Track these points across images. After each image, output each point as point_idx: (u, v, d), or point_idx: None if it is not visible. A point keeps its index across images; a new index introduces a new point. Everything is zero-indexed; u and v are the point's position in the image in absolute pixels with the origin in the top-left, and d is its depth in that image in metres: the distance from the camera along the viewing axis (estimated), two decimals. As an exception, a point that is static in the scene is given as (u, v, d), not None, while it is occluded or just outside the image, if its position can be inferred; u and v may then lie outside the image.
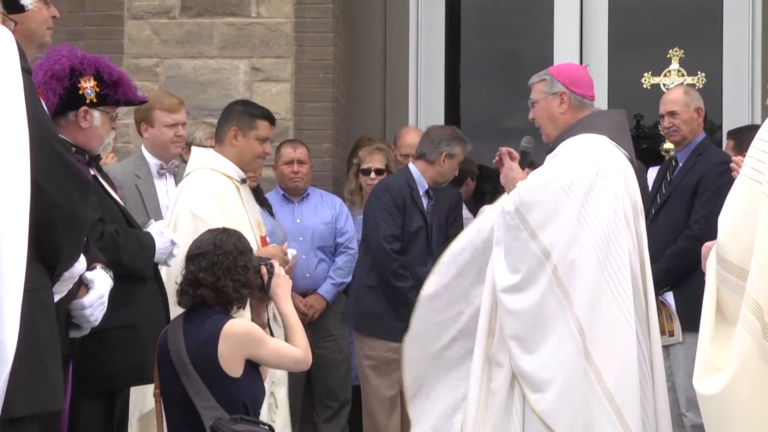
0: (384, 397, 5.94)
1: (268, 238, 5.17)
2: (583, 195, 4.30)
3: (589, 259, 4.27)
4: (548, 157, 4.50)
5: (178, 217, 4.79)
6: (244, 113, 5.03)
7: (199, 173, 4.92)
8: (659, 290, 5.60)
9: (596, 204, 4.31)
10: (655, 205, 5.74)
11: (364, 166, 6.60)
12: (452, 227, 6.05)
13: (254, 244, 4.86)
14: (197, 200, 4.80)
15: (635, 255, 4.41)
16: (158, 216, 5.04)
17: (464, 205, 6.90)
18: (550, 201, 4.31)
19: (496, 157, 4.63)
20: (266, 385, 4.16)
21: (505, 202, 4.43)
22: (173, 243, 4.54)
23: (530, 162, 4.67)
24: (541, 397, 4.25)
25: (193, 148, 5.14)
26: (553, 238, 4.28)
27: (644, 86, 7.09)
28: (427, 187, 6.03)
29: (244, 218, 4.90)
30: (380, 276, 5.86)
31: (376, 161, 6.51)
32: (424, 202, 6.00)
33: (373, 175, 6.49)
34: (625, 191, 4.42)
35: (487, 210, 4.75)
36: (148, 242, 4.44)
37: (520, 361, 4.30)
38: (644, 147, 7.39)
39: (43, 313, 2.95)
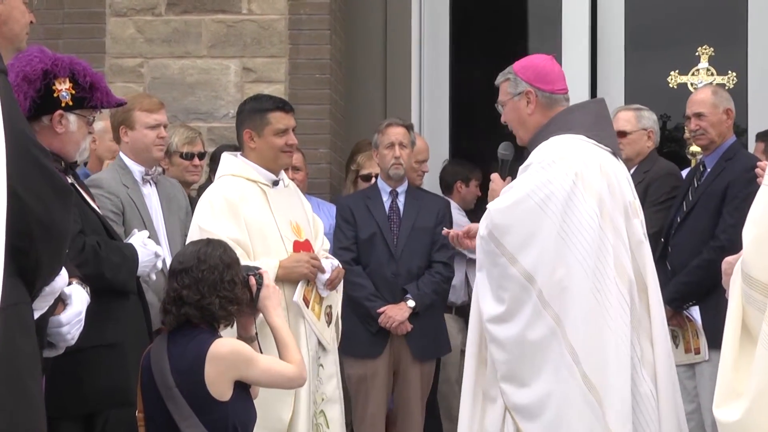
0: (364, 416, 6.00)
1: (316, 242, 5.12)
2: (562, 208, 4.19)
3: (577, 277, 4.17)
4: (520, 169, 4.38)
5: (191, 233, 4.81)
6: (253, 111, 5.00)
7: (217, 182, 4.95)
8: (684, 304, 5.59)
9: (577, 216, 4.21)
10: (680, 213, 5.71)
11: (364, 172, 6.59)
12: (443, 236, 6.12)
13: (282, 250, 4.89)
14: (206, 213, 4.82)
15: (628, 263, 4.30)
16: (151, 226, 5.04)
17: (463, 214, 6.90)
18: (526, 220, 4.20)
19: (452, 241, 4.60)
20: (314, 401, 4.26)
21: (480, 224, 4.35)
22: (157, 255, 4.53)
23: (510, 170, 4.60)
24: (537, 428, 4.18)
25: (223, 154, 5.13)
26: (534, 260, 4.18)
27: (670, 85, 7.06)
28: (390, 189, 6.13)
29: (269, 223, 4.89)
30: (345, 290, 5.95)
31: (376, 166, 6.50)
32: (387, 205, 6.11)
33: (374, 180, 6.48)
34: (610, 194, 4.30)
35: None
36: (131, 255, 4.44)
37: (513, 396, 4.23)
38: (669, 150, 7.36)
39: (23, 330, 2.93)
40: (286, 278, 4.83)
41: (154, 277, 4.61)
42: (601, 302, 4.19)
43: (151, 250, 4.53)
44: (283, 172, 5.12)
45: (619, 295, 4.23)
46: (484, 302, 4.30)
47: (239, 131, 5.04)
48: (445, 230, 4.71)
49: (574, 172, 4.24)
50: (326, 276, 4.96)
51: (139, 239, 4.54)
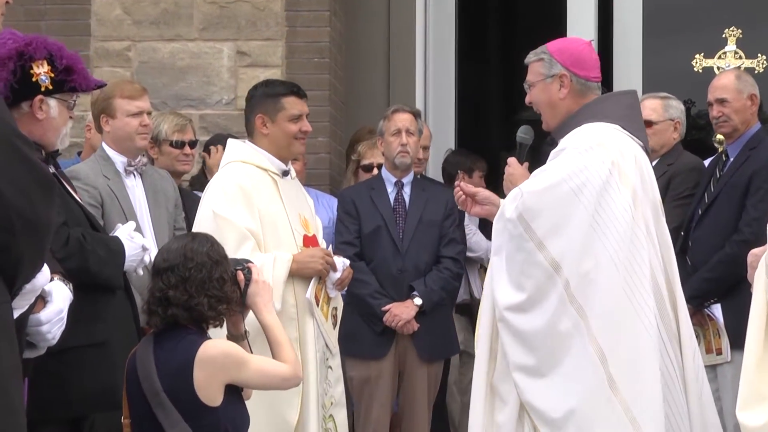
0: (368, 420, 6.00)
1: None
2: (596, 197, 4.23)
3: (606, 270, 4.20)
4: (552, 153, 4.41)
5: (201, 219, 4.82)
6: (265, 95, 5.01)
7: (227, 168, 4.95)
8: (705, 302, 5.59)
9: (611, 207, 4.25)
10: (702, 205, 5.70)
11: (365, 161, 6.57)
12: (451, 230, 6.14)
13: (293, 244, 4.91)
14: (220, 198, 4.82)
15: (657, 263, 4.34)
16: (134, 220, 5.02)
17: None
18: (559, 205, 4.24)
19: (458, 199, 4.57)
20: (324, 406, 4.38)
21: (505, 206, 4.36)
22: (144, 249, 4.53)
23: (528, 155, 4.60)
24: None
25: (229, 140, 5.14)
26: (562, 248, 4.21)
27: (695, 69, 7.03)
28: (395, 179, 6.15)
29: (280, 214, 4.91)
30: (347, 287, 5.94)
31: (378, 156, 6.47)
32: (392, 197, 6.13)
33: (375, 171, 6.46)
34: (643, 189, 4.35)
35: None
36: (117, 248, 4.44)
37: (529, 394, 4.23)
38: (695, 138, 7.32)
39: (3, 332, 2.92)
40: (299, 273, 4.85)
41: (141, 272, 4.61)
42: (633, 300, 4.21)
43: (138, 243, 4.52)
44: (290, 162, 5.12)
45: (647, 295, 4.23)
46: (500, 289, 4.31)
47: (249, 117, 5.04)
48: (458, 184, 4.63)
49: (611, 160, 4.28)
50: (337, 275, 4.98)
51: (125, 231, 4.53)
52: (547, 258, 4.21)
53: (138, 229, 4.84)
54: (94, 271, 4.26)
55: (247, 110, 5.09)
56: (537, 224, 4.23)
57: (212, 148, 6.19)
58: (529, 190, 4.29)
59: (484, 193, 4.56)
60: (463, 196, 4.53)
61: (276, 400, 4.58)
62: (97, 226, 4.48)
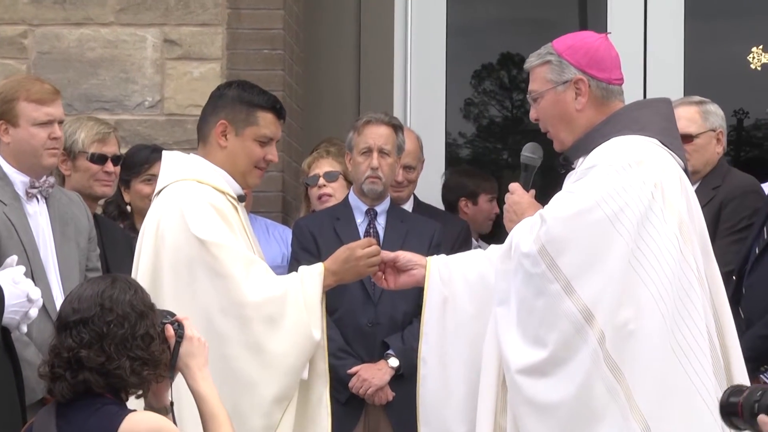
0: None
1: None
2: (637, 226, 4.25)
3: (649, 320, 4.21)
4: (575, 172, 4.45)
5: (180, 250, 4.73)
6: (239, 100, 4.99)
7: (181, 186, 4.86)
8: (761, 366, 5.59)
9: (655, 239, 4.27)
10: (759, 243, 5.71)
11: (310, 174, 6.61)
12: None
13: None
14: (198, 221, 4.74)
15: (710, 312, 4.37)
16: (36, 256, 5.02)
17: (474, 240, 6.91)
18: (591, 237, 4.25)
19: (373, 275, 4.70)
20: None
21: (519, 239, 4.36)
22: (30, 300, 4.51)
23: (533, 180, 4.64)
24: None
25: (166, 153, 5.08)
26: (596, 291, 4.21)
27: (752, 66, 7.08)
28: (366, 207, 6.23)
29: (249, 248, 4.90)
30: None
31: (326, 165, 6.55)
32: (361, 229, 6.21)
33: (321, 181, 6.52)
34: (690, 219, 4.38)
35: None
36: None
37: None
38: (750, 156, 7.36)
39: None
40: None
41: (24, 329, 4.59)
42: (683, 358, 4.23)
43: (23, 291, 4.49)
44: None
45: (701, 352, 4.26)
46: (510, 346, 4.31)
47: (209, 118, 5.00)
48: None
49: (654, 182, 4.30)
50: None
51: (8, 275, 4.49)
52: (577, 304, 4.21)
53: (38, 267, 4.82)
54: None
55: (207, 109, 5.05)
56: (564, 260, 4.23)
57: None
58: (554, 216, 4.29)
59: (406, 256, 4.70)
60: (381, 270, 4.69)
61: None
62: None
